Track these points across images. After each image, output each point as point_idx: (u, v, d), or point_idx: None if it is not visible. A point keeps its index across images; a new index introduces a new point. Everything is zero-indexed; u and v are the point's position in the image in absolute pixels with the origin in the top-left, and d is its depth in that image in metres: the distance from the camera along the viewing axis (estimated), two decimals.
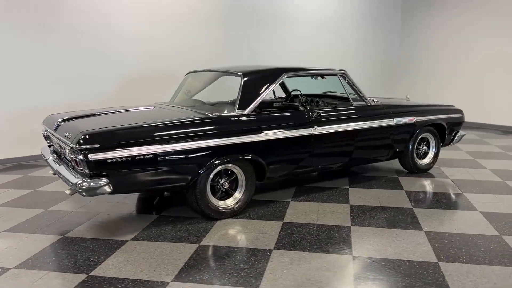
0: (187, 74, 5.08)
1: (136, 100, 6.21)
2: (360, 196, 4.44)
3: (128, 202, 4.30)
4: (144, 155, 3.30)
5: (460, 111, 5.58)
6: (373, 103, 4.82)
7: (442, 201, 4.25)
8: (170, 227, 3.66)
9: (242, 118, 3.83)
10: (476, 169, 5.51)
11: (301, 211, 4.00)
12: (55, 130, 3.74)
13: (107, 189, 3.21)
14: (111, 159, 3.18)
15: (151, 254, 3.14)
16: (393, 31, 10.44)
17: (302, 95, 5.40)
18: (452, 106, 5.64)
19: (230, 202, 3.85)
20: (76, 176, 3.32)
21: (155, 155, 3.35)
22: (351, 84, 4.67)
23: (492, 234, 3.44)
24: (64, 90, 6.29)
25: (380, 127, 4.72)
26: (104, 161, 3.15)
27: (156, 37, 7.02)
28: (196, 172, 3.56)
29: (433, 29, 9.91)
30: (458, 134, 5.58)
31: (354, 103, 4.65)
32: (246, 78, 4.01)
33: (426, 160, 5.35)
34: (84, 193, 3.16)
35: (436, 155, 5.39)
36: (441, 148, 5.43)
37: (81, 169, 3.19)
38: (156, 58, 7.07)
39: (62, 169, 3.56)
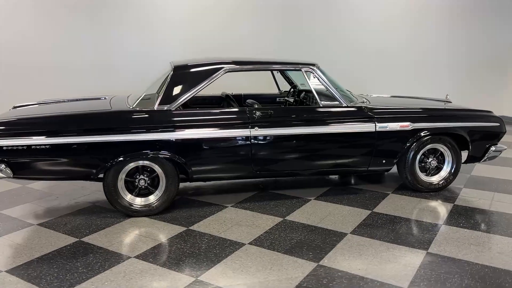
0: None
1: None
2: (309, 211, 3.83)
3: (92, 188, 4.48)
4: (41, 145, 3.39)
5: (496, 119, 4.33)
6: (358, 104, 4.08)
7: (395, 233, 3.39)
8: (83, 218, 3.71)
9: (158, 114, 3.64)
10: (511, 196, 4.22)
11: (221, 220, 3.63)
12: None
13: (7, 172, 3.40)
14: (6, 146, 3.35)
15: (26, 241, 3.25)
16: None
17: (298, 90, 4.88)
18: (489, 112, 4.40)
19: (139, 201, 3.70)
20: None
21: (54, 146, 3.42)
22: (321, 81, 4.01)
23: (394, 284, 2.62)
24: (118, 76, 6.82)
25: (352, 133, 3.97)
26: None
27: (210, 30, 7.01)
28: (99, 167, 3.52)
29: None
30: (493, 149, 4.33)
31: (323, 103, 3.99)
32: (175, 71, 3.78)
33: (435, 178, 4.30)
34: None
35: (453, 173, 4.29)
36: (477, 164, 4.32)
37: None
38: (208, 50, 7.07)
39: None
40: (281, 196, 4.20)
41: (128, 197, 3.68)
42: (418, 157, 4.19)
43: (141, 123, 3.59)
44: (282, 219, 3.65)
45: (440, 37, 8.29)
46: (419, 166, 4.24)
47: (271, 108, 3.91)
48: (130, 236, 3.35)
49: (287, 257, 2.98)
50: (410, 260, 2.93)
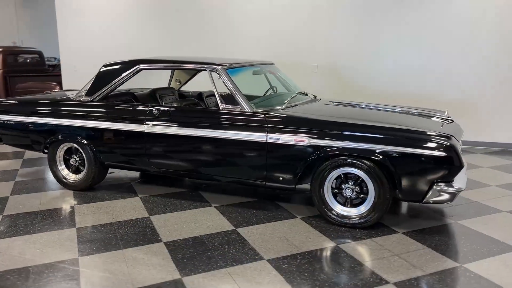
0: None
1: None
2: (183, 216, 3.71)
3: None
4: (8, 121, 4.52)
5: (444, 147, 3.07)
6: (261, 110, 3.64)
7: (189, 256, 3.00)
8: (30, 183, 4.64)
9: (81, 104, 4.23)
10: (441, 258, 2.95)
11: (109, 206, 3.94)
12: None
13: None
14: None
15: None
16: None
17: (275, 91, 4.59)
18: (442, 137, 3.15)
19: (66, 173, 4.38)
20: None
21: (15, 123, 4.49)
22: (225, 82, 3.77)
23: None
24: None
25: (240, 140, 3.60)
26: None
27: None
28: (42, 143, 4.38)
29: None
30: (439, 188, 3.11)
31: (223, 105, 3.75)
32: (102, 68, 4.26)
33: (340, 210, 3.43)
34: None
35: (379, 209, 3.29)
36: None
37: None
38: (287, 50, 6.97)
39: None
40: (193, 198, 4.14)
41: (60, 168, 4.39)
42: (328, 180, 3.42)
43: (67, 111, 4.25)
44: (146, 216, 3.70)
45: None
46: (333, 193, 3.46)
47: (171, 107, 3.93)
48: (30, 202, 4.04)
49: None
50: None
